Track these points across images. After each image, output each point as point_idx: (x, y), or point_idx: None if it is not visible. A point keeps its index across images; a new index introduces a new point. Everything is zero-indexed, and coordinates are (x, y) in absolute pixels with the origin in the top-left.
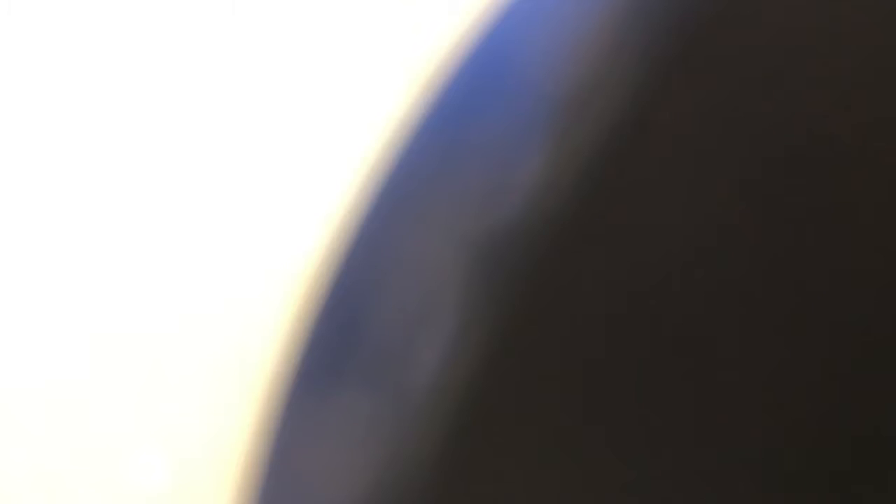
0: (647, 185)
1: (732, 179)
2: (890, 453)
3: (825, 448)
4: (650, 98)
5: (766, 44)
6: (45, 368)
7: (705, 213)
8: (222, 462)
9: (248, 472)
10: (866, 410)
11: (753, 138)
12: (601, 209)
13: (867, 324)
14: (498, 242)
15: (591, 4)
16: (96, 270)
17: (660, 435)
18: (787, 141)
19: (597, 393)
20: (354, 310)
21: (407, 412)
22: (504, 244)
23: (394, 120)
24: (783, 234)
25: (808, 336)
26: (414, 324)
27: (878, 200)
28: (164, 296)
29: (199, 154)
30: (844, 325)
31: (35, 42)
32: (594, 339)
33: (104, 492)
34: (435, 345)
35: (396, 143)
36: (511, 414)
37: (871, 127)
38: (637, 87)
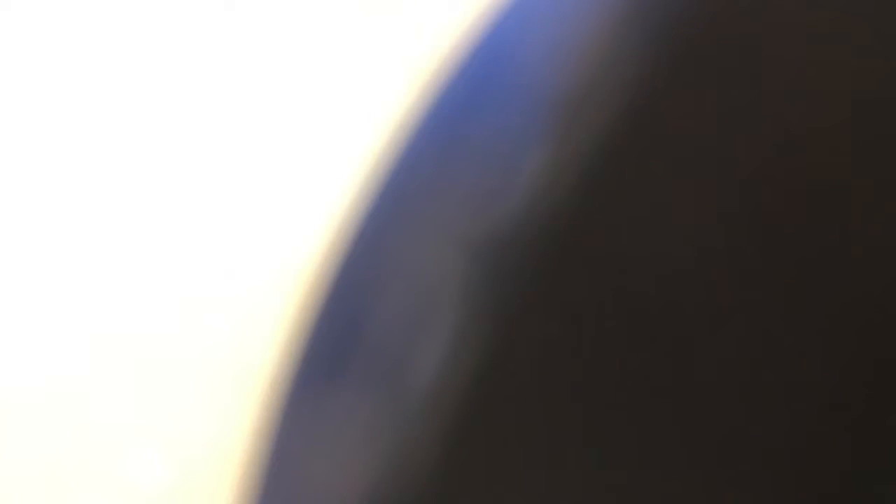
0: (646, 184)
1: (732, 179)
2: None
3: (833, 448)
4: (650, 98)
5: (765, 43)
6: (46, 368)
7: (705, 212)
8: (222, 462)
9: (248, 472)
10: (875, 407)
11: (754, 137)
12: (601, 209)
13: (868, 320)
14: (498, 243)
15: (591, 4)
16: (97, 270)
17: (661, 435)
18: (788, 140)
19: (597, 393)
20: (354, 310)
21: (407, 412)
22: (504, 244)
23: (394, 120)
24: (783, 233)
25: (809, 335)
26: (414, 324)
27: (878, 198)
28: (164, 296)
29: (198, 154)
30: (846, 324)
31: (35, 42)
32: (594, 339)
33: (104, 491)
34: (435, 345)
35: (396, 143)
36: (511, 414)
37: (872, 125)
38: (637, 87)
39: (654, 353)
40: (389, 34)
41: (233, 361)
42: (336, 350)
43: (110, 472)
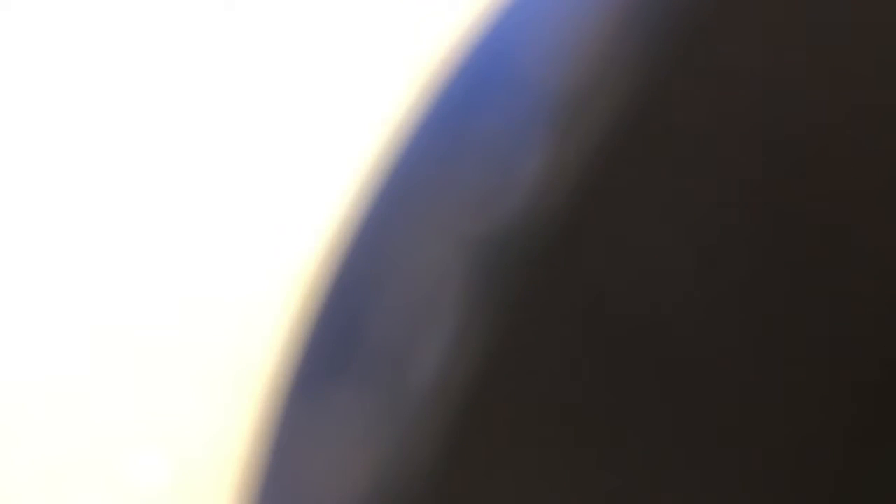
0: (646, 184)
1: (732, 179)
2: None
3: (830, 452)
4: (650, 98)
5: (765, 42)
6: (46, 368)
7: (705, 213)
8: (222, 462)
9: (248, 472)
10: (874, 411)
11: (754, 137)
12: (601, 209)
13: (868, 322)
14: (498, 242)
15: (591, 4)
16: (97, 271)
17: (660, 435)
18: (788, 139)
19: (596, 392)
20: (354, 310)
21: (407, 412)
22: (504, 244)
23: (394, 120)
24: (784, 233)
25: (808, 336)
26: (414, 324)
27: (879, 198)
28: (164, 296)
29: (198, 154)
30: (846, 326)
31: (35, 42)
32: (593, 339)
33: (104, 491)
34: (435, 345)
35: (396, 143)
36: (510, 414)
37: (873, 125)
38: (637, 87)
39: (653, 352)
40: (389, 34)
41: (233, 361)
42: (336, 350)
43: (110, 472)
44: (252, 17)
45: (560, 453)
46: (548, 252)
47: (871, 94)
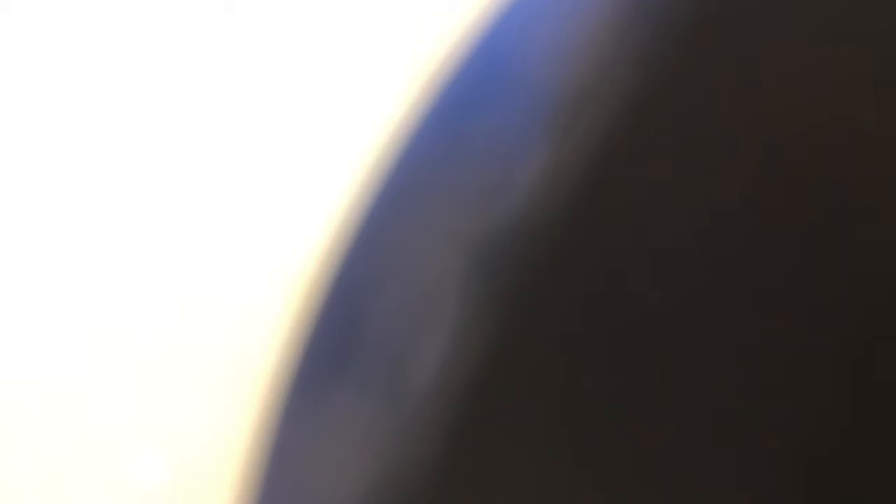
0: (645, 184)
1: (732, 178)
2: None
3: (828, 452)
4: (649, 98)
5: (765, 42)
6: (46, 368)
7: (705, 212)
8: (222, 462)
9: (248, 472)
10: (873, 411)
11: (754, 137)
12: (601, 208)
13: (869, 325)
14: (498, 242)
15: (591, 4)
16: (97, 271)
17: (659, 434)
18: (788, 139)
19: (596, 392)
20: (354, 310)
21: (407, 412)
22: (504, 244)
23: (394, 120)
24: (784, 232)
25: (809, 340)
26: (414, 324)
27: (878, 196)
28: (164, 296)
29: (198, 154)
30: (846, 324)
31: (35, 42)
32: (593, 338)
33: (104, 492)
34: (435, 345)
35: (396, 142)
36: (511, 414)
37: (872, 121)
38: (636, 87)
39: (653, 351)
40: (389, 34)
41: (233, 362)
42: (336, 350)
43: (110, 472)
44: (252, 18)
45: (560, 452)
46: (547, 252)
47: (871, 92)
